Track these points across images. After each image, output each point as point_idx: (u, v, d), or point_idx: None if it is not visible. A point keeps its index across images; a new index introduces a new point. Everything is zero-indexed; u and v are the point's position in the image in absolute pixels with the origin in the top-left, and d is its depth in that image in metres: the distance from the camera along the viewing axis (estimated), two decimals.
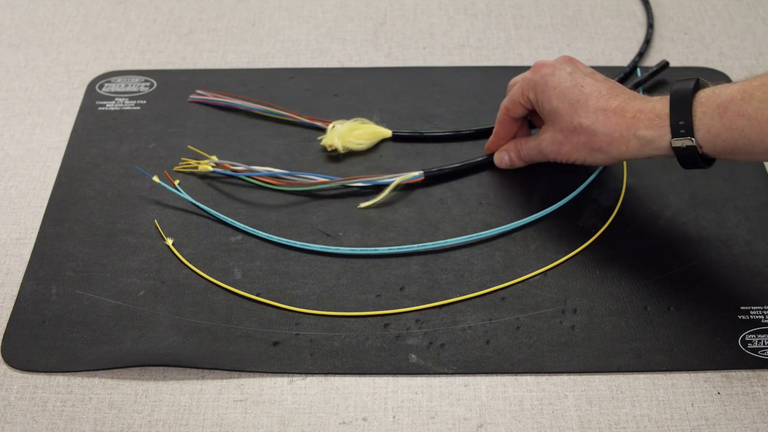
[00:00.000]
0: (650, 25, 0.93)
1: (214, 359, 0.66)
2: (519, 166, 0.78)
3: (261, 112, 0.84)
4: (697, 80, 0.65)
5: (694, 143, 0.64)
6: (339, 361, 0.66)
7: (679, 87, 0.65)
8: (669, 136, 0.65)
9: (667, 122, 0.65)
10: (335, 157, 0.81)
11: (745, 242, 0.73)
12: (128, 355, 0.66)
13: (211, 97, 0.86)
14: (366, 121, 0.82)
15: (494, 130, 0.79)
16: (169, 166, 0.80)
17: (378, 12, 0.97)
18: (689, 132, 0.64)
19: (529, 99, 0.74)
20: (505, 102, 0.77)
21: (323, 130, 0.82)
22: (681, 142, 0.64)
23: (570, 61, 0.73)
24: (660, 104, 0.66)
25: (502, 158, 0.78)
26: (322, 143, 0.81)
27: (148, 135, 0.83)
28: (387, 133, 0.82)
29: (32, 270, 0.72)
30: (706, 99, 0.64)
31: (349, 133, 0.81)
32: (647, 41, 0.92)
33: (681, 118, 0.64)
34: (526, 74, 0.74)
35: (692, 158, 0.65)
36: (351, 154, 0.81)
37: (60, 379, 0.66)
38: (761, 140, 0.61)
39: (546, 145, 0.73)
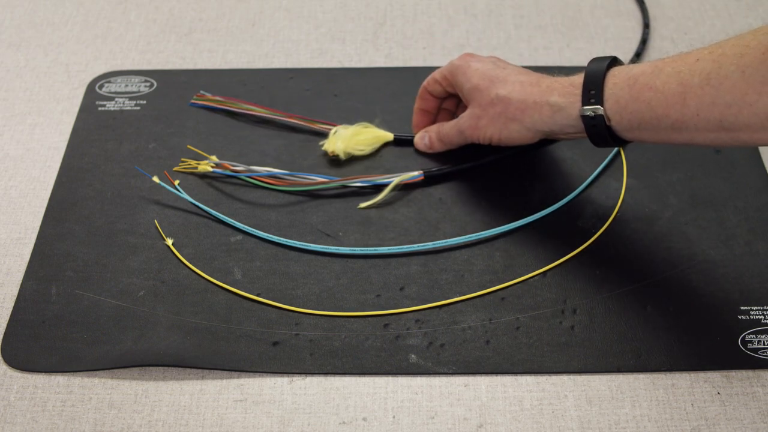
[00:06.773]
0: (646, 25, 0.93)
1: (214, 359, 0.66)
2: (438, 149, 0.80)
3: (263, 117, 0.84)
4: (614, 58, 0.67)
5: (603, 112, 0.65)
6: (339, 361, 0.66)
7: (595, 62, 0.67)
8: (579, 103, 0.67)
9: (579, 90, 0.67)
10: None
11: (745, 242, 0.73)
12: (128, 355, 0.66)
13: (212, 105, 0.85)
14: (368, 125, 0.82)
15: (414, 106, 0.82)
16: (169, 166, 0.80)
17: (378, 12, 0.97)
18: (599, 101, 0.65)
19: (447, 79, 0.77)
20: (426, 79, 0.80)
21: (325, 135, 0.82)
22: (590, 110, 0.66)
23: (498, 59, 0.76)
24: (576, 77, 0.68)
25: (422, 138, 0.81)
26: (323, 149, 0.80)
27: (148, 135, 0.83)
28: (389, 136, 0.82)
29: (32, 270, 0.72)
30: (618, 72, 0.66)
31: (351, 139, 0.80)
32: (644, 41, 0.92)
33: (592, 88, 0.66)
34: (452, 60, 0.77)
35: (600, 131, 0.66)
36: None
37: (60, 379, 0.66)
38: (666, 114, 0.62)
39: (464, 122, 0.76)
